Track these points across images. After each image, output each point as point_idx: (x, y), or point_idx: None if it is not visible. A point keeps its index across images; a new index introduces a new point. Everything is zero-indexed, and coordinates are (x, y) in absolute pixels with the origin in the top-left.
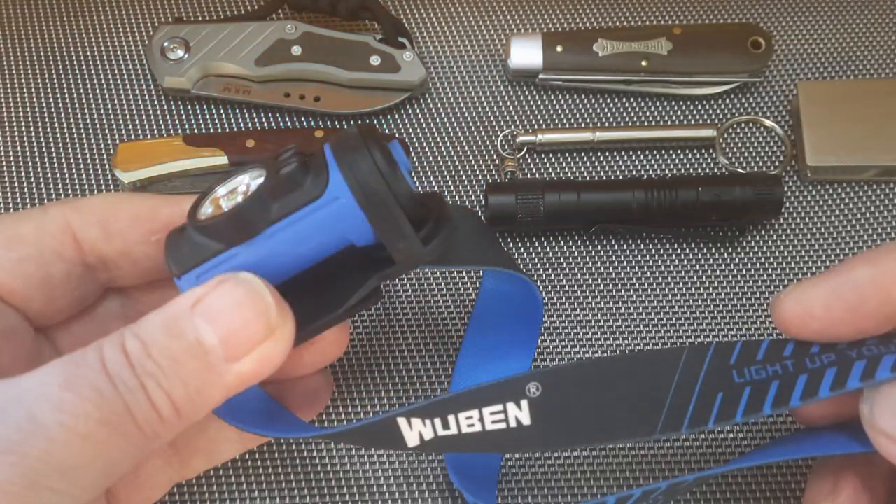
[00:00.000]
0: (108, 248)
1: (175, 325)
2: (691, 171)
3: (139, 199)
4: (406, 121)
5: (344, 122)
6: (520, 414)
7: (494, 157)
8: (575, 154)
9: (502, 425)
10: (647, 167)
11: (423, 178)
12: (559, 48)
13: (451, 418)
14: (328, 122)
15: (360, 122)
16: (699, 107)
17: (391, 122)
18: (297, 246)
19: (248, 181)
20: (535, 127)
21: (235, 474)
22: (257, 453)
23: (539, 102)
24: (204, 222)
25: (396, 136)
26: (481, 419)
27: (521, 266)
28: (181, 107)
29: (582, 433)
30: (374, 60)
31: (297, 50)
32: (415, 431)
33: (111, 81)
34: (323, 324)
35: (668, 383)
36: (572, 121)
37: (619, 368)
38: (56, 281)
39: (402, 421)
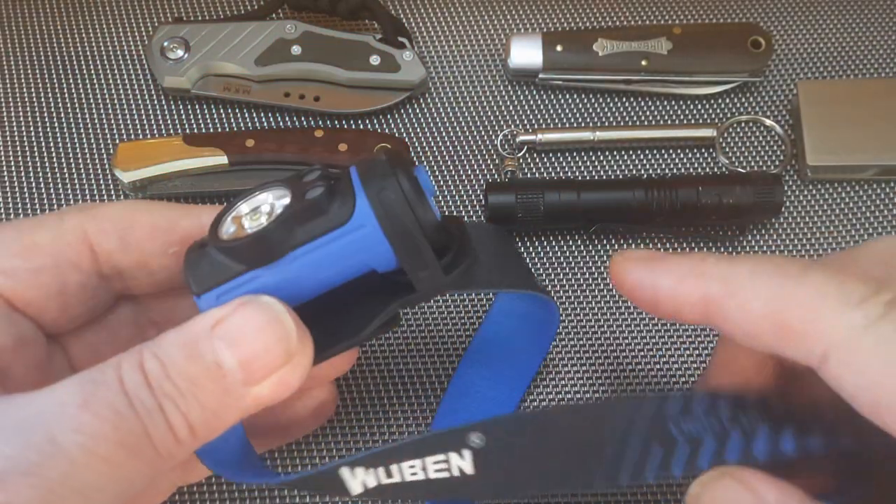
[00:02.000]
0: (124, 259)
1: (194, 347)
2: (691, 170)
3: (158, 210)
4: (406, 120)
5: (344, 122)
6: (463, 463)
7: (494, 156)
8: (575, 154)
9: (445, 474)
10: (647, 167)
11: None
12: (559, 48)
13: (394, 467)
14: (328, 122)
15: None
16: (699, 106)
17: (391, 121)
18: (319, 271)
19: (272, 201)
20: (535, 126)
21: None
22: None
23: (539, 102)
24: (226, 243)
25: (419, 164)
26: (424, 468)
27: None
28: (181, 106)
29: (524, 483)
30: (374, 60)
31: (296, 49)
32: (358, 480)
33: (111, 81)
34: (341, 348)
35: (606, 434)
36: (572, 120)
37: (560, 419)
38: (71, 290)
39: (345, 471)
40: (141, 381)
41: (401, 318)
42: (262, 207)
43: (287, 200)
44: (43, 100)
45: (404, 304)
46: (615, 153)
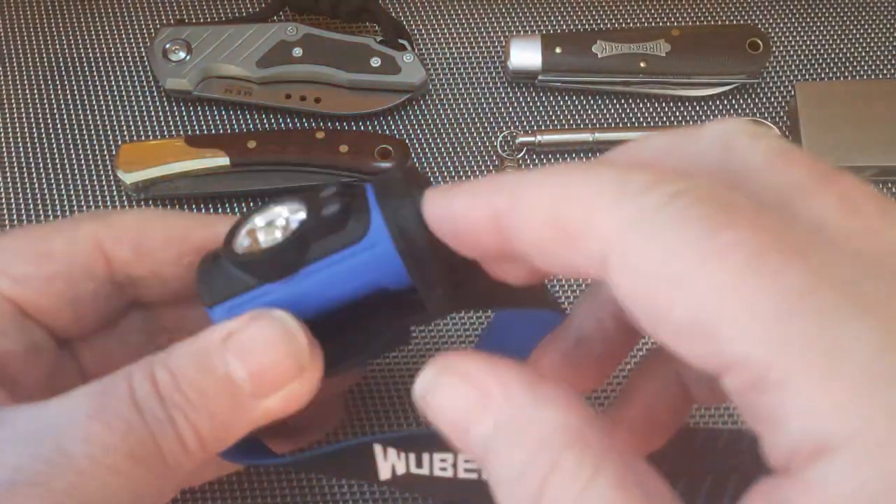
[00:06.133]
0: (138, 268)
1: (206, 359)
2: None
3: (172, 219)
4: (406, 122)
5: (344, 124)
6: None
7: (494, 157)
8: (574, 155)
9: (474, 475)
10: None
11: None
12: (558, 49)
13: (425, 456)
14: (329, 124)
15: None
16: (697, 108)
17: (391, 123)
18: (331, 287)
19: (287, 214)
20: (535, 128)
21: (237, 472)
22: None
23: (538, 103)
24: (240, 256)
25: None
26: (455, 465)
27: None
28: (183, 108)
29: None
30: (375, 62)
31: (298, 52)
32: (388, 462)
33: (113, 83)
34: (351, 363)
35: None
36: (571, 122)
37: None
38: (84, 298)
39: (378, 449)
40: (151, 392)
41: (411, 336)
42: (278, 221)
43: (302, 215)
44: (45, 102)
45: (416, 322)
46: None
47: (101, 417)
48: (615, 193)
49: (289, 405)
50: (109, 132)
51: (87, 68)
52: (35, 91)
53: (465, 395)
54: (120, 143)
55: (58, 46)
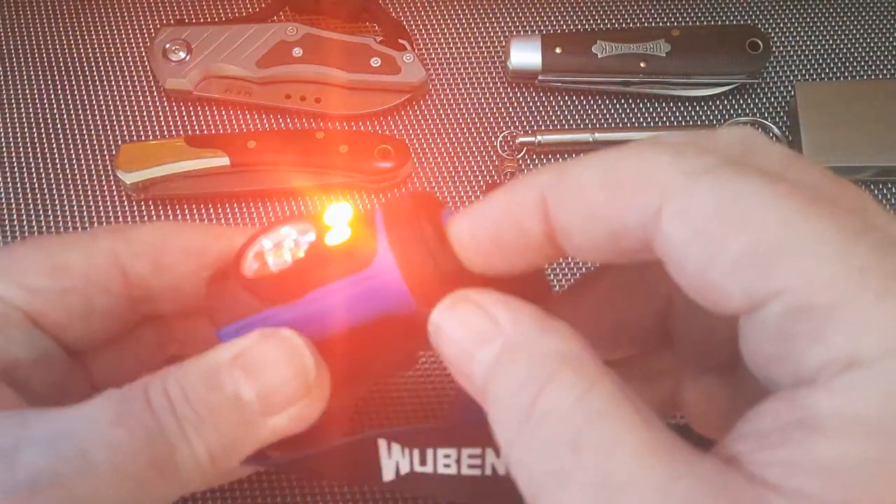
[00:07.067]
0: (156, 283)
1: (215, 377)
2: None
3: (190, 233)
4: (406, 122)
5: (344, 124)
6: (497, 462)
7: (494, 157)
8: (574, 155)
9: (477, 471)
10: None
11: (424, 180)
12: (558, 50)
13: (429, 452)
14: (329, 124)
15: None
16: (697, 108)
17: (391, 123)
18: (338, 312)
19: (296, 236)
20: (535, 128)
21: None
22: None
23: (538, 103)
24: (249, 281)
25: (449, 206)
26: (458, 460)
27: None
28: (183, 108)
29: None
30: (375, 62)
31: (298, 52)
32: (393, 460)
33: (113, 83)
34: (358, 386)
35: None
36: (571, 122)
37: None
38: (98, 312)
39: (382, 445)
40: (166, 405)
41: (418, 359)
42: (286, 243)
43: (310, 237)
44: (45, 102)
45: (423, 347)
46: None
47: (124, 424)
48: (673, 153)
49: (297, 424)
50: (109, 132)
51: (87, 68)
52: (35, 91)
53: (476, 321)
54: (120, 143)
55: (58, 46)
